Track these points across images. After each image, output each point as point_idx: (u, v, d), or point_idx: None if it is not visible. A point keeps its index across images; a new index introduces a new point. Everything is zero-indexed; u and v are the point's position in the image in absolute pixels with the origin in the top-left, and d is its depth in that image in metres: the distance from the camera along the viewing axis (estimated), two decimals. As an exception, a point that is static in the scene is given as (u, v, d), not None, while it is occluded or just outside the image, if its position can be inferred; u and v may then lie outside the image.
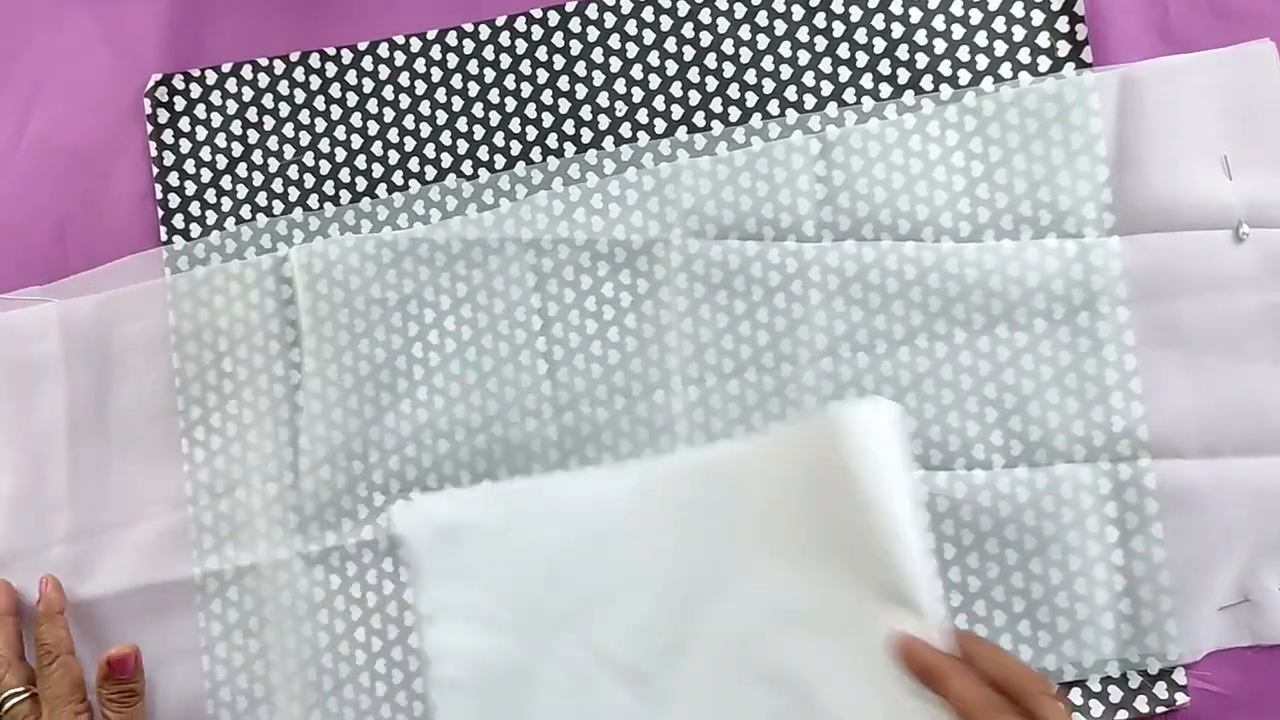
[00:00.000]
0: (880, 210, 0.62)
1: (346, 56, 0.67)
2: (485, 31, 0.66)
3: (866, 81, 0.64)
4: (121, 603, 0.65)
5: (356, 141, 0.67)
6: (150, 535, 0.66)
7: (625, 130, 0.65)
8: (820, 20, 0.64)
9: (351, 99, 0.67)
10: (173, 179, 0.68)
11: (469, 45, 0.66)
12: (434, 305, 0.65)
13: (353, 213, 0.66)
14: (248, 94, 0.68)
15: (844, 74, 0.64)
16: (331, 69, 0.67)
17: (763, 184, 0.63)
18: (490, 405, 0.64)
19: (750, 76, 0.65)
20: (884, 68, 0.64)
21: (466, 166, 0.66)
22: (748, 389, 0.62)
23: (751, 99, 0.64)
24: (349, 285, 0.65)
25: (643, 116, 0.65)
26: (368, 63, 0.67)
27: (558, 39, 0.66)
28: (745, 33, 0.65)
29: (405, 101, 0.67)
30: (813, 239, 0.63)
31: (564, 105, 0.66)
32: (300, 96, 0.67)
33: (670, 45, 0.65)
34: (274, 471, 0.65)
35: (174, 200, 0.68)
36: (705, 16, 0.65)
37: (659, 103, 0.65)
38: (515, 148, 0.66)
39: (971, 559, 0.60)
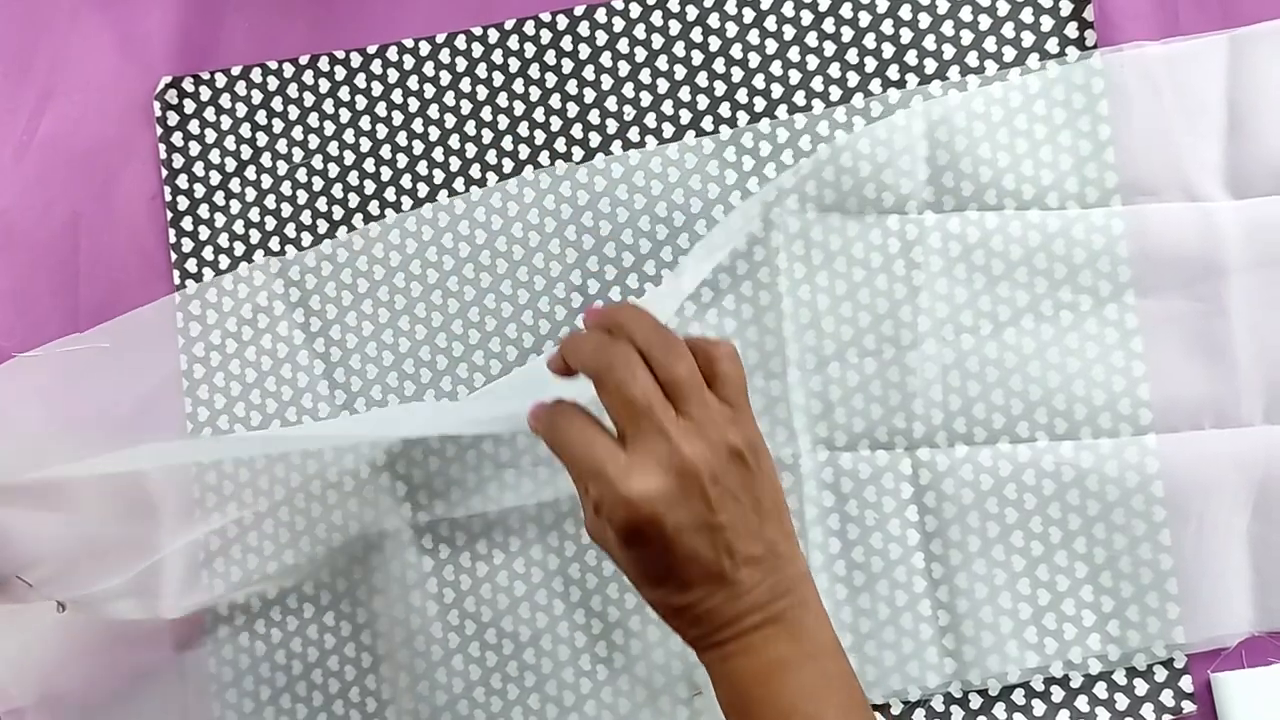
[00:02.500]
0: (986, 190, 0.62)
1: (356, 60, 0.67)
2: (494, 35, 0.67)
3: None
4: (228, 568, 0.66)
5: (365, 145, 0.67)
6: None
7: (724, 110, 0.65)
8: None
9: (360, 102, 0.67)
10: (182, 181, 0.68)
11: (478, 49, 0.67)
12: (528, 285, 0.65)
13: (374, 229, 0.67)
14: (257, 97, 0.68)
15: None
16: (341, 72, 0.67)
17: (865, 163, 0.62)
18: (586, 385, 0.64)
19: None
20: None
21: (475, 170, 0.66)
22: (849, 370, 0.62)
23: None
24: (442, 265, 0.66)
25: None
26: (377, 66, 0.67)
27: (566, 43, 0.66)
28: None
29: (414, 105, 0.67)
30: (917, 218, 0.62)
31: (572, 109, 0.66)
32: (309, 100, 0.68)
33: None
34: (384, 442, 0.65)
35: (183, 202, 0.68)
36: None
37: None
38: (523, 151, 0.66)
39: (1098, 529, 0.60)
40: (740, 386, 0.51)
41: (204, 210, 0.68)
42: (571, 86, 0.66)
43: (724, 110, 0.64)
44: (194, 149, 0.68)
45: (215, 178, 0.68)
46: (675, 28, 0.65)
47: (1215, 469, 0.59)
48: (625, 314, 0.51)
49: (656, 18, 0.65)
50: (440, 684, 0.64)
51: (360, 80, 0.67)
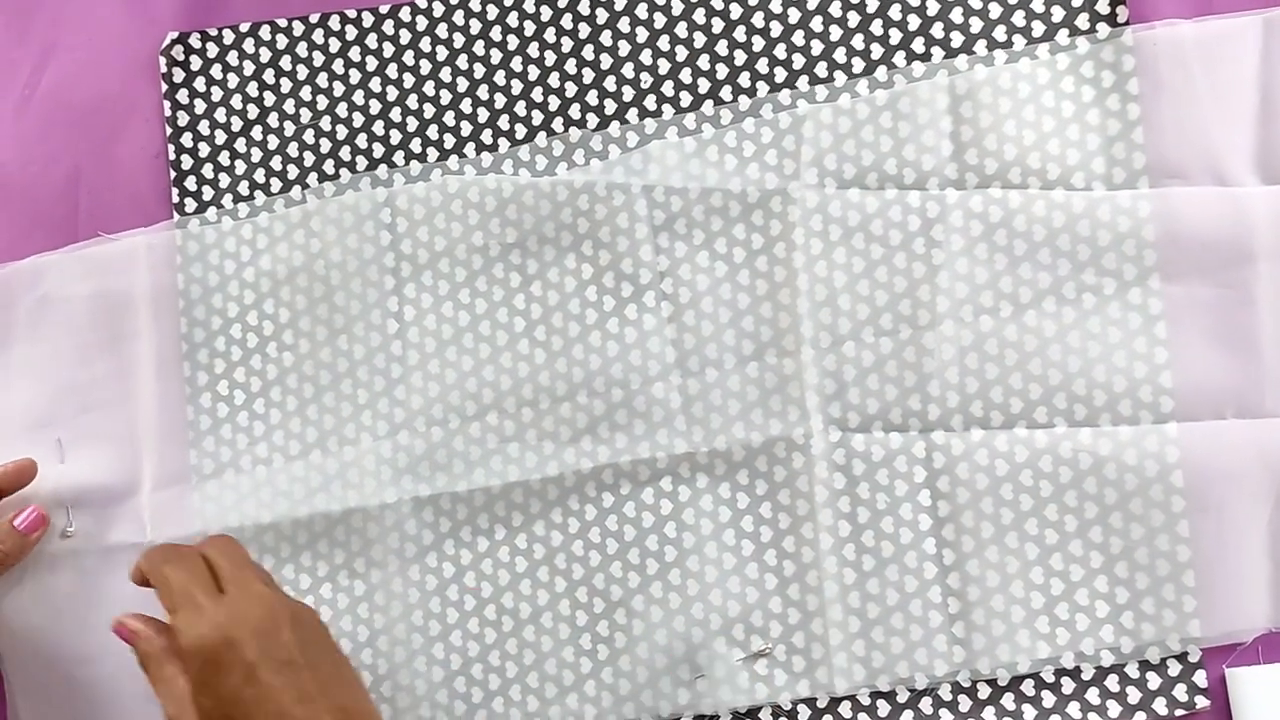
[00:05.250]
0: (1011, 168, 0.60)
1: (368, 19, 0.66)
2: (509, -4, 0.65)
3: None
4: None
5: (375, 107, 0.66)
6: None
7: (744, 80, 0.63)
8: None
9: (371, 63, 0.66)
10: (186, 139, 0.67)
11: (493, 11, 0.65)
12: (538, 255, 0.64)
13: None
14: (265, 55, 0.67)
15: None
16: (352, 32, 0.66)
17: (887, 138, 0.61)
18: (593, 361, 0.63)
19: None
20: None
21: (486, 136, 0.65)
22: (865, 350, 0.61)
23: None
24: (451, 233, 0.64)
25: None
26: (389, 26, 0.66)
27: (583, 6, 0.64)
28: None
29: (426, 67, 0.65)
30: (938, 195, 0.61)
31: (587, 74, 0.64)
32: (319, 59, 0.66)
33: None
34: (384, 410, 0.64)
35: (186, 161, 0.67)
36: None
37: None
38: (537, 117, 0.64)
39: (1115, 518, 0.59)
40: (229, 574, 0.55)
41: (208, 170, 0.67)
42: (588, 52, 0.64)
43: (743, 80, 0.63)
44: (199, 107, 0.67)
45: (220, 137, 0.67)
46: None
47: (1237, 460, 0.58)
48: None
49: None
50: (438, 659, 0.63)
51: (371, 40, 0.66)
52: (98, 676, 0.65)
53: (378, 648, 0.64)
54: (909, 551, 0.60)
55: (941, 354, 0.60)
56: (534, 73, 0.65)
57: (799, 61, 0.62)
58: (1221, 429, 0.58)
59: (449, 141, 0.65)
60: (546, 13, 0.65)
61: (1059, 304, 0.60)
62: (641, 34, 0.64)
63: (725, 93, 0.63)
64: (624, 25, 0.64)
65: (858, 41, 0.62)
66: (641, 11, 0.64)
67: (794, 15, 0.63)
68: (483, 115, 0.65)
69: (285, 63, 0.66)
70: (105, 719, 0.65)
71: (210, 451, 0.66)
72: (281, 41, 0.66)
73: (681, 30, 0.64)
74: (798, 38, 0.63)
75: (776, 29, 0.63)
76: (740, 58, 0.63)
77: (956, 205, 0.60)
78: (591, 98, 0.64)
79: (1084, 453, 0.59)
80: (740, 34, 0.63)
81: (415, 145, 0.65)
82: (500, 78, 0.65)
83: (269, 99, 0.66)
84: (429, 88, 0.65)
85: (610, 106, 0.64)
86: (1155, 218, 0.59)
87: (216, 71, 0.67)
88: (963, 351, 0.60)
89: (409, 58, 0.65)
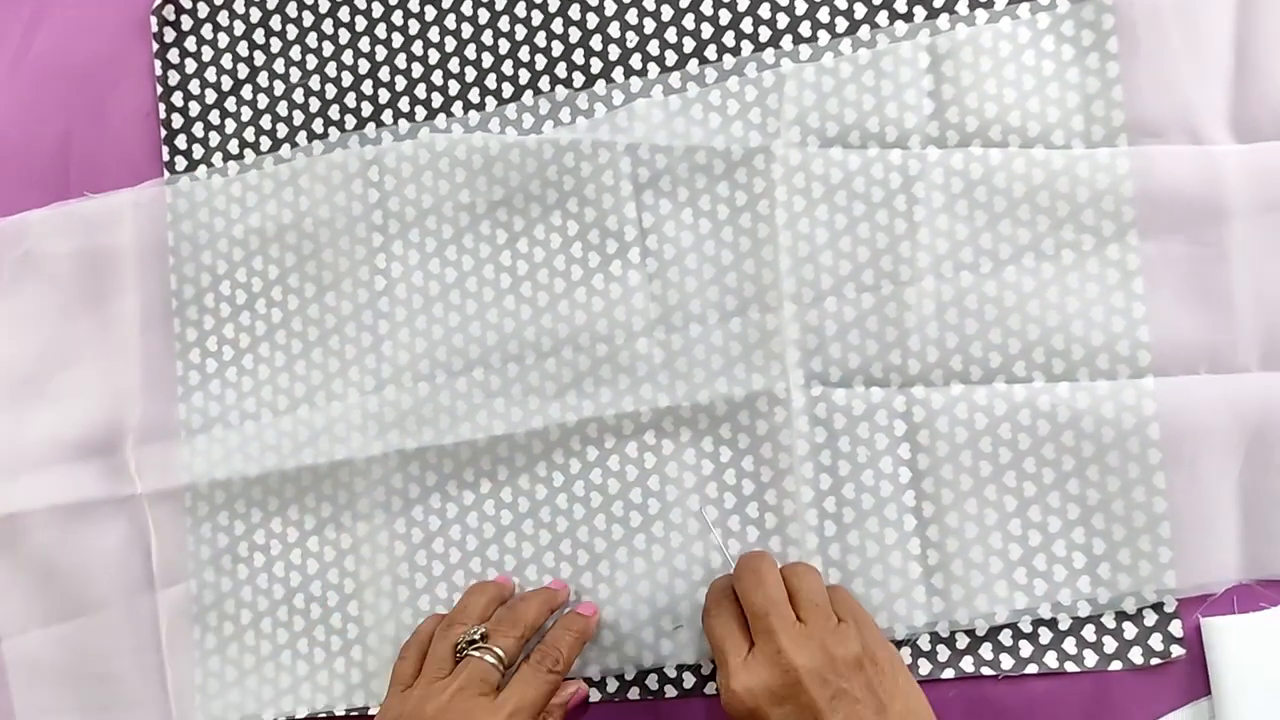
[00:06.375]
0: (991, 126, 0.61)
1: (356, -21, 0.67)
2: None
3: None
4: (213, 493, 0.66)
5: (363, 66, 0.66)
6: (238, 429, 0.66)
7: (729, 39, 0.64)
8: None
9: (360, 23, 0.66)
10: (177, 98, 0.67)
11: (482, -31, 0.66)
12: (523, 212, 0.64)
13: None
14: (255, 15, 0.67)
15: None
16: (341, -9, 0.67)
17: (869, 97, 0.62)
18: (578, 316, 0.63)
19: None
20: None
21: (473, 94, 0.65)
22: (846, 306, 0.62)
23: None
24: (438, 190, 0.65)
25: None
26: (378, -15, 0.66)
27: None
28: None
29: (415, 27, 0.66)
30: (919, 153, 0.61)
31: (574, 34, 0.65)
32: (309, 19, 0.67)
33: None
34: (371, 366, 0.65)
35: (177, 120, 0.67)
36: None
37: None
38: (523, 76, 0.65)
39: (1092, 471, 0.60)
40: (852, 604, 0.56)
41: (198, 129, 0.67)
42: (574, 11, 0.65)
43: (728, 39, 0.64)
44: (190, 66, 0.68)
45: (211, 96, 0.67)
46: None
47: (1210, 414, 0.59)
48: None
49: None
50: (423, 612, 0.64)
51: (360, 0, 0.66)
52: (89, 630, 0.66)
53: (364, 600, 0.64)
54: (888, 504, 0.61)
55: (921, 309, 0.61)
56: (520, 32, 0.65)
57: (782, 21, 0.63)
58: (1195, 384, 0.59)
59: (436, 100, 0.66)
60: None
61: (1038, 260, 0.61)
62: (553, 3, 0.65)
63: (709, 51, 0.64)
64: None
65: (840, 1, 0.63)
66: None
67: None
68: (470, 74, 0.65)
69: (275, 22, 0.67)
70: (97, 674, 0.65)
71: (199, 406, 0.66)
72: (272, 1, 0.67)
73: (574, 11, 0.64)
74: (781, -3, 0.64)
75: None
76: (725, 17, 0.64)
77: (937, 163, 0.61)
78: (578, 56, 0.65)
79: (1062, 406, 0.60)
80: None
81: (403, 104, 0.66)
82: (488, 37, 0.65)
83: (259, 58, 0.67)
84: (417, 47, 0.66)
85: (596, 65, 0.64)
86: (1133, 174, 0.60)
87: (207, 31, 0.67)
88: (942, 307, 0.61)
89: (397, 18, 0.66)
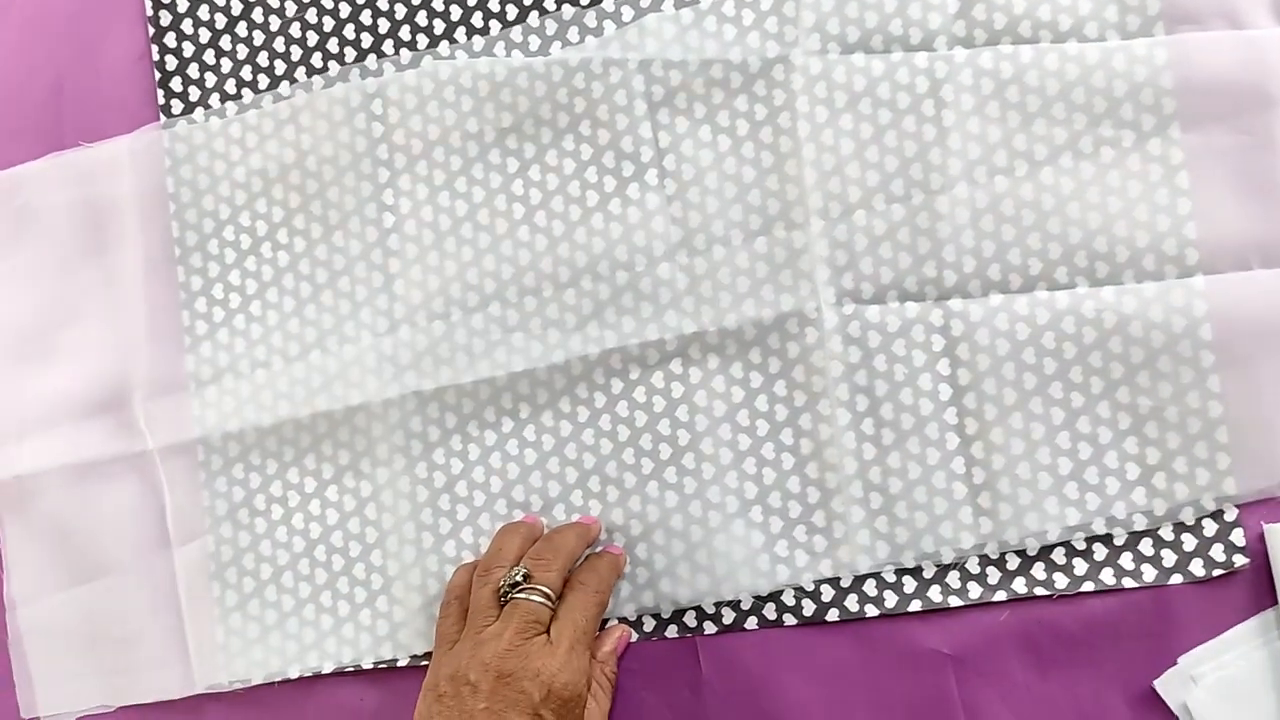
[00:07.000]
0: (1020, 22, 0.57)
1: (350, -96, 0.64)
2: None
3: None
4: (226, 446, 0.63)
5: (362, -6, 0.64)
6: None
7: None
8: None
9: (356, -51, 0.64)
10: (169, 40, 0.65)
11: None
12: (534, 139, 0.62)
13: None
14: (247, -52, 0.65)
15: None
16: (334, -82, 0.64)
17: None
18: (596, 244, 0.61)
19: None
20: None
21: (477, 18, 0.63)
22: (875, 218, 0.59)
23: None
24: (444, 120, 0.62)
25: None
26: (372, -90, 0.64)
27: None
28: None
29: (413, -50, 0.63)
30: (946, 54, 0.58)
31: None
32: (302, -52, 0.64)
33: None
34: (383, 306, 0.62)
35: (171, 62, 0.65)
36: None
37: None
38: (511, 10, 0.62)
39: (1143, 377, 0.57)
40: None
41: (194, 70, 0.65)
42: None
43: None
44: (182, 4, 0.65)
45: (204, 35, 0.65)
46: None
47: (1265, 311, 0.56)
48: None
49: None
50: (449, 558, 0.61)
51: (356, -74, 0.64)
52: (105, 593, 0.64)
53: (387, 548, 0.62)
54: (929, 423, 0.58)
55: (955, 218, 0.58)
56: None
57: (796, -78, 0.60)
58: (1247, 280, 0.56)
59: (438, 27, 0.63)
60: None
61: (1076, 159, 0.58)
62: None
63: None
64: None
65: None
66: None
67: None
68: (471, -2, 0.63)
69: (268, -46, 0.65)
70: (116, 638, 0.64)
71: (207, 357, 0.64)
72: (263, -68, 0.65)
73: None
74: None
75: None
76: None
77: (965, 64, 0.58)
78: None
79: (1108, 311, 0.57)
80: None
81: (404, 33, 0.63)
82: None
83: (252, -8, 0.65)
84: (416, -29, 0.63)
85: (600, -18, 0.62)
86: (1173, 64, 0.57)
87: (198, -33, 0.65)
88: (977, 214, 0.58)
89: (394, -58, 0.64)
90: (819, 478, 0.59)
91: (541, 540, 0.58)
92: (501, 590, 0.55)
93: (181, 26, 0.65)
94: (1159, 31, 0.57)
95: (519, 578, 0.55)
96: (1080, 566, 0.57)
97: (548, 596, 0.54)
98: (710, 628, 0.59)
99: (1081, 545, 0.57)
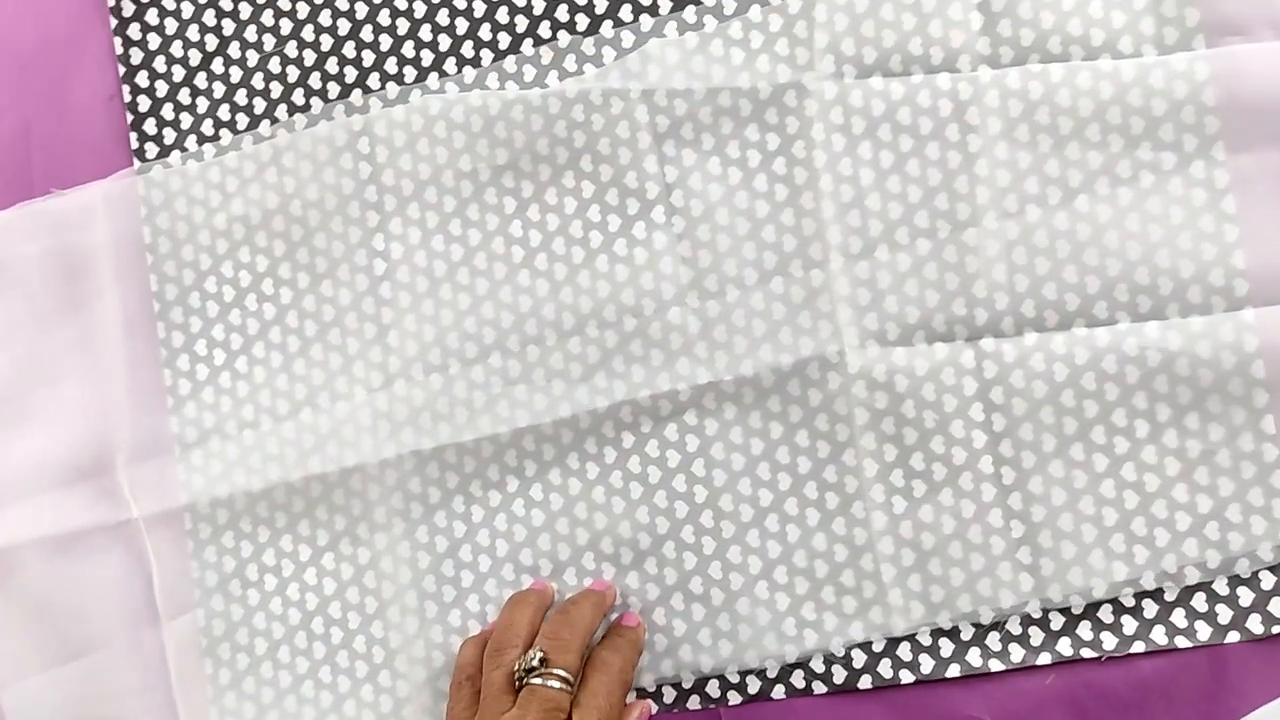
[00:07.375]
0: (1049, 37, 0.54)
1: (328, -68, 0.60)
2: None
3: None
4: (215, 512, 0.60)
5: (343, 26, 0.60)
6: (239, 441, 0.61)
7: None
8: None
9: (336, -20, 0.60)
10: (141, 79, 0.62)
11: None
12: (532, 176, 0.58)
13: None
14: (220, -20, 0.61)
15: None
16: (312, -53, 0.60)
17: (909, 15, 0.55)
18: (602, 288, 0.57)
19: None
20: None
21: (468, 48, 0.59)
22: (900, 254, 0.55)
23: None
24: (436, 159, 0.59)
25: None
26: (352, -61, 0.60)
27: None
28: None
29: (394, -17, 0.60)
30: (970, 75, 0.55)
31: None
32: (279, -20, 0.61)
33: None
34: (377, 359, 0.59)
35: (144, 102, 0.62)
36: None
37: None
38: (521, 23, 0.59)
39: (1191, 419, 0.54)
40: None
41: (168, 110, 0.62)
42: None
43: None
44: (153, 42, 0.62)
45: (178, 73, 0.62)
46: None
47: None
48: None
49: None
50: (454, 628, 0.58)
51: (335, -46, 0.60)
52: (92, 671, 0.60)
53: (388, 619, 0.59)
54: (964, 473, 0.55)
55: (985, 251, 0.55)
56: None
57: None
58: None
59: (426, 58, 0.59)
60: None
61: (1113, 185, 0.54)
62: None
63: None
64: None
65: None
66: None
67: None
68: (461, 26, 0.59)
69: (243, -14, 0.61)
70: (100, 717, 0.60)
71: (192, 418, 0.60)
72: (237, -38, 0.61)
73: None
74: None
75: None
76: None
77: (991, 84, 0.55)
78: (561, 13, 0.58)
79: (1151, 349, 0.53)
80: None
81: (390, 65, 0.60)
82: (478, -16, 0.59)
83: (228, 27, 0.61)
84: (400, 1, 0.60)
85: (601, 4, 0.58)
86: (1215, 80, 0.53)
87: (169, 1, 0.61)
88: (1009, 247, 0.54)
89: (376, -28, 0.60)
90: (847, 534, 0.55)
91: (556, 614, 0.54)
92: (517, 675, 0.51)
93: (154, 65, 0.61)
94: (1199, 44, 0.54)
95: (535, 662, 0.51)
96: (1129, 625, 0.53)
97: (567, 682, 0.51)
98: (735, 698, 0.56)
99: (1130, 602, 0.54)
